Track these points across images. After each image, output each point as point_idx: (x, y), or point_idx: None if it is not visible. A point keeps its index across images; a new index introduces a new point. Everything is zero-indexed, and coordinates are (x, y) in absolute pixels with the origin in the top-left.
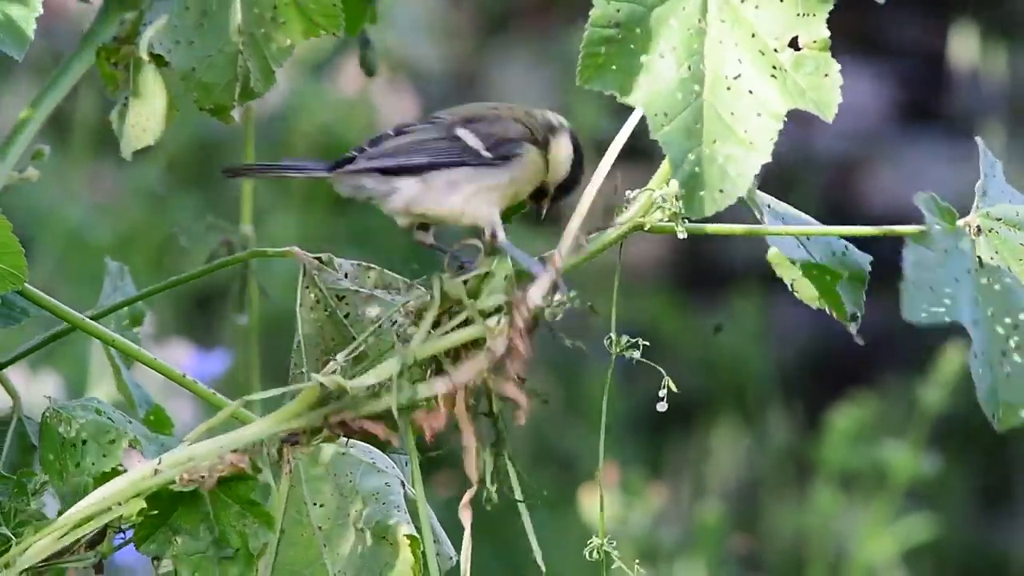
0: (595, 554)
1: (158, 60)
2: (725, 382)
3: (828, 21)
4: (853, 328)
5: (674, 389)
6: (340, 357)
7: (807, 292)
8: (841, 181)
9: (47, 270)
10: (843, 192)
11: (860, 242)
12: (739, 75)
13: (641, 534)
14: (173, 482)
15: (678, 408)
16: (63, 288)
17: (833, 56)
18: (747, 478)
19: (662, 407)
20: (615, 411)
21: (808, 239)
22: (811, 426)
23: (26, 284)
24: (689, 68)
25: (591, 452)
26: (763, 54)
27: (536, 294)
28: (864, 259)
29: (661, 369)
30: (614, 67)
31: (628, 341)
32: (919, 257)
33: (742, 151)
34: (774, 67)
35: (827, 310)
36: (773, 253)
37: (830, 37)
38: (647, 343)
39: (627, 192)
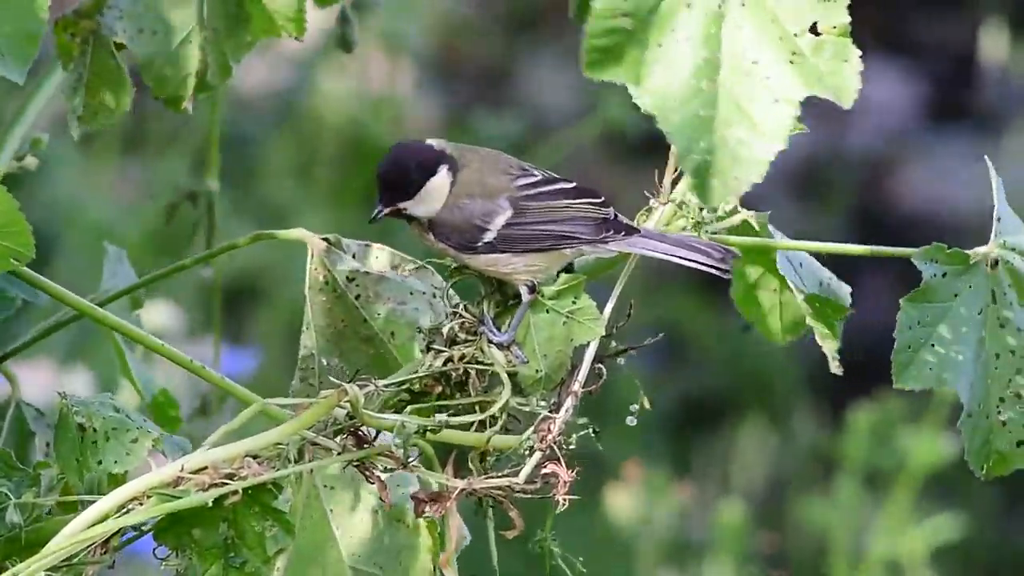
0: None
1: (118, 47)
2: (752, 381)
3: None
4: (835, 361)
5: (647, 407)
6: (381, 384)
7: (773, 329)
8: (873, 180)
9: (73, 266)
10: (874, 191)
11: (889, 242)
12: (757, 61)
13: (666, 533)
14: (196, 489)
15: (705, 407)
16: (88, 285)
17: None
18: (774, 476)
19: (631, 422)
20: (641, 409)
21: (801, 266)
22: (838, 425)
23: (26, 268)
24: (705, 54)
25: (618, 451)
26: (782, 40)
27: (556, 426)
28: (845, 291)
29: (637, 382)
30: (625, 57)
31: (623, 347)
32: (918, 316)
33: (756, 138)
34: (793, 53)
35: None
36: (739, 293)
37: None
38: (668, 342)
39: (650, 201)
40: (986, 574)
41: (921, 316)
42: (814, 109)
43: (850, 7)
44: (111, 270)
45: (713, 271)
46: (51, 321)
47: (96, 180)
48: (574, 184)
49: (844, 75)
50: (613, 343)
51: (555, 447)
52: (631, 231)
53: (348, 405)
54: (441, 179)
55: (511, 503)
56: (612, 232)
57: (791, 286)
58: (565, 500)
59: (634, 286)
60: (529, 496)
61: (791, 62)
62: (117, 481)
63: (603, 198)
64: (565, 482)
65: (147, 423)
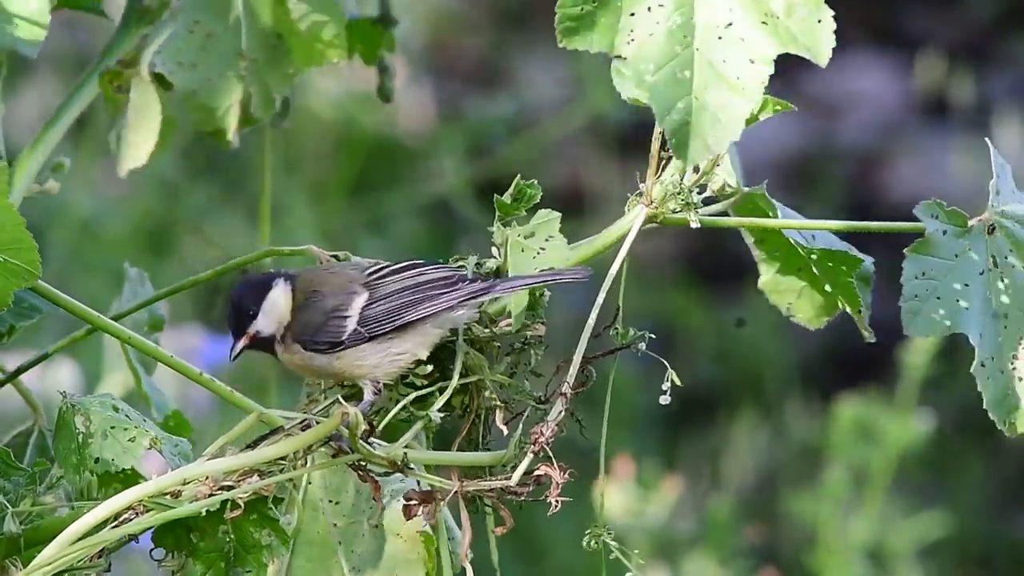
0: (594, 543)
1: (161, 80)
2: (744, 375)
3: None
4: (864, 321)
5: (678, 383)
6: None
7: (807, 312)
8: (863, 173)
9: (61, 262)
10: (865, 184)
11: (880, 234)
12: (731, 23)
13: (656, 527)
14: (194, 499)
15: (697, 401)
16: (77, 280)
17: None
18: (765, 470)
19: (665, 400)
20: (633, 404)
21: (814, 238)
22: (828, 418)
23: (43, 282)
24: (679, 19)
25: (609, 444)
26: (756, 2)
27: (548, 430)
28: (866, 261)
29: (666, 363)
30: (598, 23)
31: (636, 333)
32: (922, 267)
33: (734, 97)
34: (766, 14)
35: (817, 323)
36: (765, 280)
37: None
38: (660, 335)
39: (640, 184)
40: (979, 565)
41: (925, 268)
42: (805, 103)
43: (841, 1)
44: (132, 291)
45: (572, 280)
46: (71, 336)
47: (82, 175)
48: (422, 259)
49: (818, 34)
50: (619, 332)
51: (547, 449)
52: (485, 280)
53: (346, 430)
54: (280, 290)
55: (502, 503)
56: (466, 283)
57: (793, 242)
58: (558, 502)
59: (626, 280)
60: (522, 499)
61: (764, 23)
62: (120, 480)
63: (451, 265)
64: (558, 484)
65: (146, 423)
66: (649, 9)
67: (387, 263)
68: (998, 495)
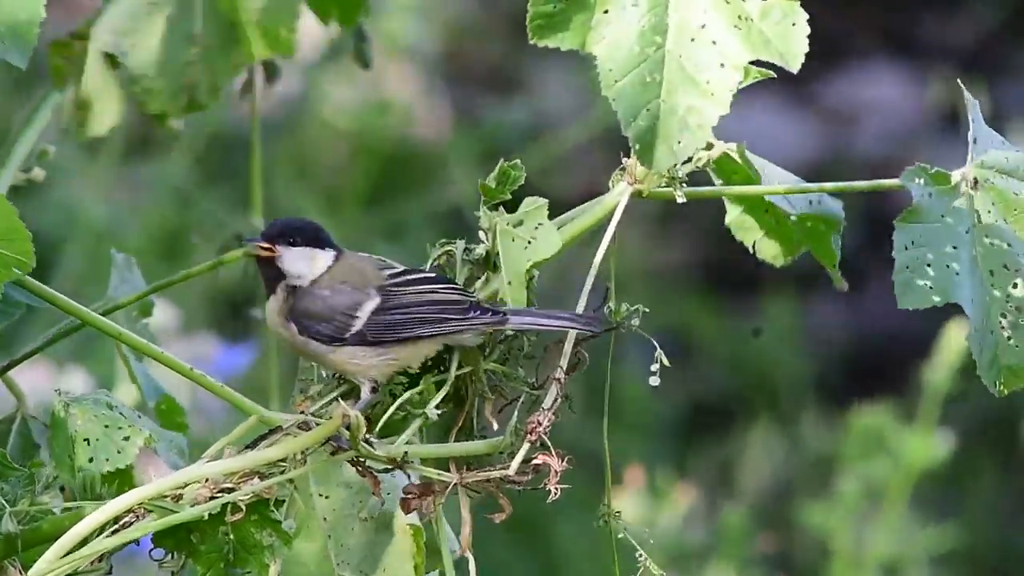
0: (603, 521)
1: (111, 60)
2: (759, 384)
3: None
4: (837, 274)
5: (667, 364)
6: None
7: (772, 251)
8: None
9: (76, 271)
10: (881, 193)
11: (887, 233)
12: (704, 25)
13: (668, 536)
14: (195, 502)
15: (713, 410)
16: (92, 289)
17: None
18: (781, 480)
19: (654, 381)
20: (647, 413)
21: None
22: (845, 428)
23: (46, 287)
24: (652, 20)
25: (625, 453)
26: (728, 3)
27: (545, 418)
28: (837, 205)
29: (655, 341)
30: (572, 22)
31: (629, 308)
32: (910, 236)
33: (703, 102)
34: (739, 17)
35: (780, 260)
36: (732, 218)
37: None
38: (675, 345)
39: (623, 159)
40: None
41: (914, 236)
42: (820, 112)
43: (856, 9)
44: (120, 277)
45: (581, 331)
46: (57, 328)
47: (97, 183)
48: (435, 274)
49: (791, 39)
50: (612, 309)
51: (545, 437)
52: (497, 312)
53: (347, 431)
54: (325, 255)
55: (501, 493)
56: (479, 313)
57: (782, 211)
58: (557, 490)
59: (640, 289)
60: (520, 488)
61: (736, 27)
62: (120, 479)
63: (463, 287)
64: (556, 471)
65: (141, 419)
66: (623, 8)
67: (402, 268)
68: (1011, 506)
